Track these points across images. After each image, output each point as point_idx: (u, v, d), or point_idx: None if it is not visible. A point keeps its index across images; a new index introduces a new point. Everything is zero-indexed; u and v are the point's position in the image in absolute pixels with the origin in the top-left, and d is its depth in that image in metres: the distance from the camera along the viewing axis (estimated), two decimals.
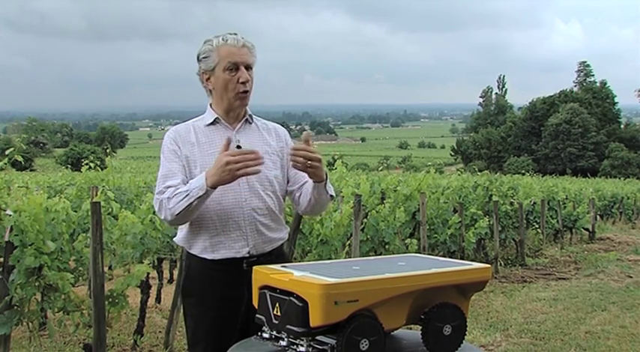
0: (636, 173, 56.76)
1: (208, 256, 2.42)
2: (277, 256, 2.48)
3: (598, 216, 16.62)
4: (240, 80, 2.40)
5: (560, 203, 13.42)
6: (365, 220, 6.06)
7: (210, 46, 2.42)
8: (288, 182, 2.58)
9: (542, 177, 27.56)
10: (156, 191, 2.39)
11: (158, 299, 6.46)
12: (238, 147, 2.42)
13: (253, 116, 2.58)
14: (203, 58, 2.44)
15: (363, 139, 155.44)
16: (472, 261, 2.66)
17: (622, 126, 74.72)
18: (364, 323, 1.73)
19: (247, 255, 2.43)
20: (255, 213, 2.43)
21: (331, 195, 2.50)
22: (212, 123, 2.49)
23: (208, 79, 2.46)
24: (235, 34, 2.45)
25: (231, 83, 2.41)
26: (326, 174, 2.41)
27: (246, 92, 2.44)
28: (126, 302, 4.29)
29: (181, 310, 4.54)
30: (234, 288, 2.41)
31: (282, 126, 2.71)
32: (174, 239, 2.58)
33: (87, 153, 42.45)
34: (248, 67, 2.43)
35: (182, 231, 2.52)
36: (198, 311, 2.48)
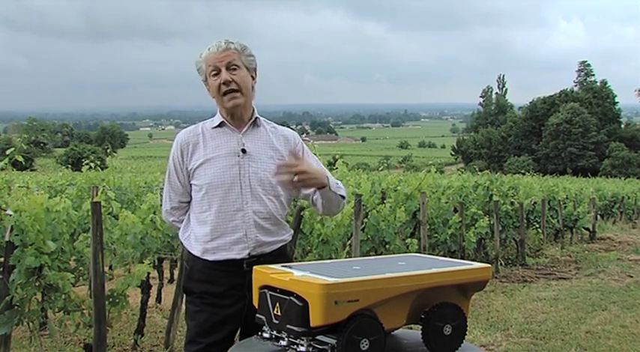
0: (637, 172, 56.67)
1: (209, 257, 2.45)
2: (278, 256, 2.49)
3: (598, 216, 16.61)
4: (221, 81, 2.44)
5: (561, 203, 13.41)
6: (365, 220, 6.05)
7: (200, 58, 2.50)
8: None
9: (543, 176, 27.56)
10: (163, 205, 2.63)
11: (158, 299, 6.46)
12: (243, 151, 2.45)
13: (262, 119, 2.59)
14: (197, 70, 2.52)
15: (363, 139, 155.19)
16: (472, 260, 2.66)
17: (622, 125, 74.61)
18: (364, 323, 1.73)
19: (247, 256, 2.44)
20: (255, 217, 2.45)
21: (342, 195, 2.54)
22: (219, 126, 2.53)
23: (208, 88, 2.53)
24: (224, 40, 2.49)
25: (216, 87, 2.46)
26: (328, 178, 2.44)
27: (231, 91, 2.45)
28: (126, 302, 4.29)
29: (182, 310, 4.55)
30: (234, 288, 2.43)
31: (283, 126, 2.72)
32: (178, 234, 2.63)
33: (87, 153, 42.39)
34: (231, 68, 2.45)
35: (184, 229, 2.56)
36: (196, 309, 2.49)
